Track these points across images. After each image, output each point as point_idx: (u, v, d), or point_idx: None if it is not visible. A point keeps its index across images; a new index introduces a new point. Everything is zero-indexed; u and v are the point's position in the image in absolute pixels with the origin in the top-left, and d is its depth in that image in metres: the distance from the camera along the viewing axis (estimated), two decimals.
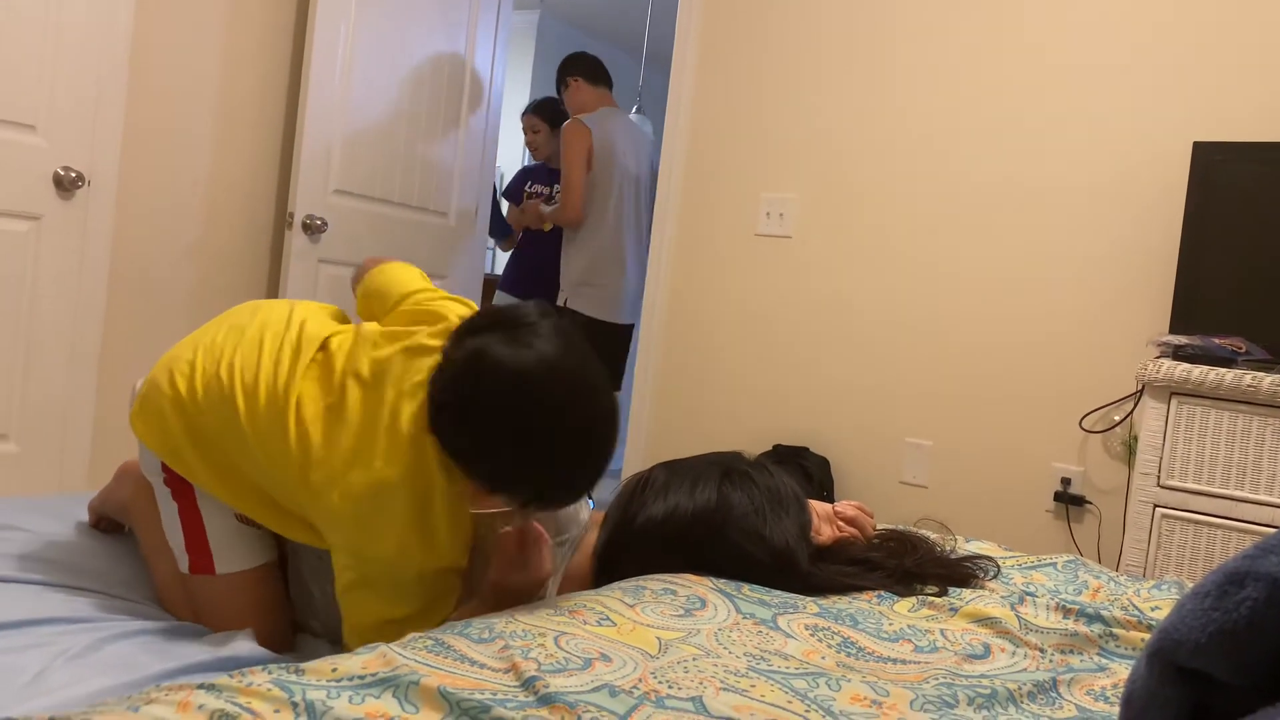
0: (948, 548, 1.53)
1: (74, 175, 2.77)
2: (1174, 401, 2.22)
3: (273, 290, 3.33)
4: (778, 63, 3.24)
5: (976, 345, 2.91)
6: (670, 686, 0.92)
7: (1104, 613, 1.31)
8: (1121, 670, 1.20)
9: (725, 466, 1.39)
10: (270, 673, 0.83)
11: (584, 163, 3.63)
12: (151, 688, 0.80)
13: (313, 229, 3.26)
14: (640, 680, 0.92)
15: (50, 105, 2.71)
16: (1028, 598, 1.35)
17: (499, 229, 4.37)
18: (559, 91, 3.93)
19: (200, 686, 0.80)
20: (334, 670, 0.86)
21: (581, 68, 3.83)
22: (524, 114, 4.29)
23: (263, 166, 3.29)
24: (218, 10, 3.09)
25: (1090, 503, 2.74)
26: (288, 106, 3.31)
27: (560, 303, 3.74)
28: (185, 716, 0.75)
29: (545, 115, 4.21)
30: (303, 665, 0.86)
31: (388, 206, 3.55)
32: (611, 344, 3.68)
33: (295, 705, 0.78)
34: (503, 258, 6.14)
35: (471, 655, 0.94)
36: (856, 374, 3.08)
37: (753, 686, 0.95)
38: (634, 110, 4.93)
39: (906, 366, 3.01)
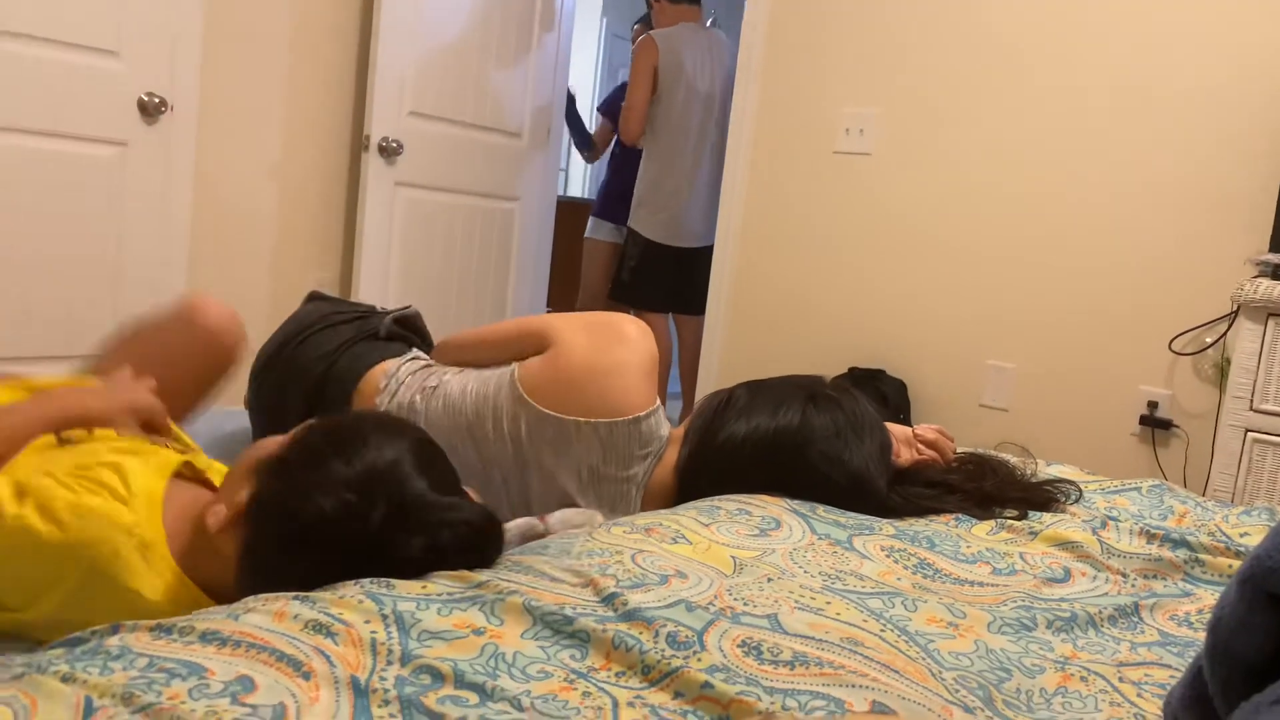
0: (1028, 471, 1.50)
1: (157, 101, 2.81)
2: (1271, 323, 2.13)
3: (351, 213, 3.37)
4: None
5: (1062, 265, 2.82)
6: (746, 604, 0.93)
7: (1190, 538, 1.28)
8: (1208, 596, 1.18)
9: (810, 390, 1.38)
10: (362, 587, 0.86)
11: (648, 81, 3.57)
12: (249, 598, 0.84)
13: (388, 151, 3.28)
14: (716, 597, 0.94)
15: (130, 30, 2.75)
16: (1110, 522, 1.33)
17: (581, 141, 4.35)
18: (649, 9, 3.84)
19: (295, 598, 0.83)
20: (424, 587, 0.89)
21: None
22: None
23: (338, 90, 3.30)
24: None
25: (1177, 427, 2.67)
26: (361, 29, 3.31)
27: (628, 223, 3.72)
28: (281, 625, 0.78)
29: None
30: (392, 581, 0.89)
31: (461, 128, 3.55)
32: (671, 268, 3.63)
33: (385, 617, 0.81)
34: (575, 179, 6.13)
35: (550, 572, 0.96)
36: (937, 295, 3.02)
37: (828, 605, 0.96)
38: (709, 21, 4.81)
39: (989, 287, 2.94)
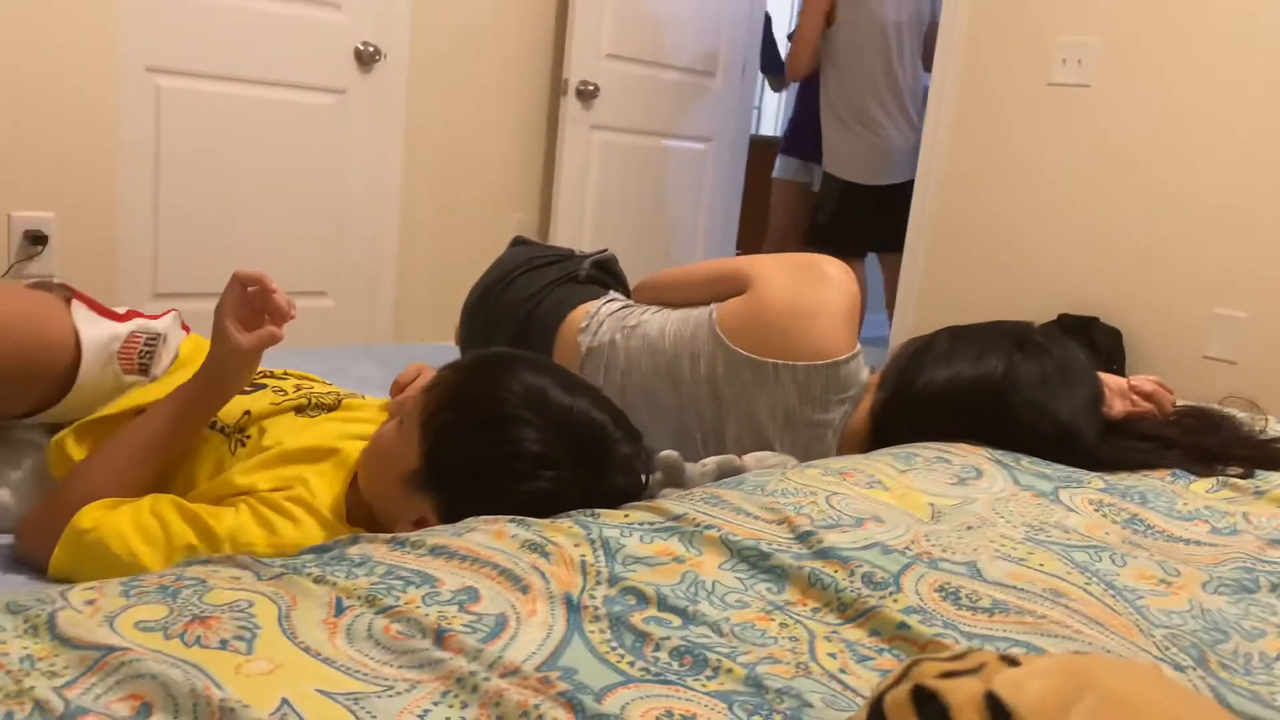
0: (1256, 428, 1.40)
1: (372, 50, 2.97)
2: None
3: (550, 156, 3.47)
4: None
5: None
6: (944, 550, 0.93)
7: None
8: None
9: (1017, 336, 1.34)
10: (570, 516, 0.92)
11: (819, 13, 3.39)
12: (470, 518, 0.91)
13: (586, 95, 3.34)
14: (913, 542, 0.94)
15: None
16: None
17: (771, 65, 4.24)
18: None
19: (511, 520, 0.89)
20: (626, 516, 0.93)
21: None
22: None
23: (538, 35, 3.38)
24: None
25: None
26: None
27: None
28: (500, 543, 0.84)
29: None
30: (596, 510, 0.94)
31: (656, 69, 3.57)
32: (872, 207, 3.49)
33: (593, 541, 0.86)
34: (767, 117, 6.03)
35: (746, 507, 0.98)
36: (1158, 239, 2.82)
37: (1030, 555, 0.94)
38: None
39: (1218, 230, 2.71)
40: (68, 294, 1.19)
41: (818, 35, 3.43)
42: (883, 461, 1.17)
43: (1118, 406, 1.38)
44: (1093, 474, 1.22)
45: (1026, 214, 3.05)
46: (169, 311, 1.29)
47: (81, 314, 1.16)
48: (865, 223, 3.48)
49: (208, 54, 2.71)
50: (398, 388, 1.18)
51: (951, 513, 1.04)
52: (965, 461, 1.19)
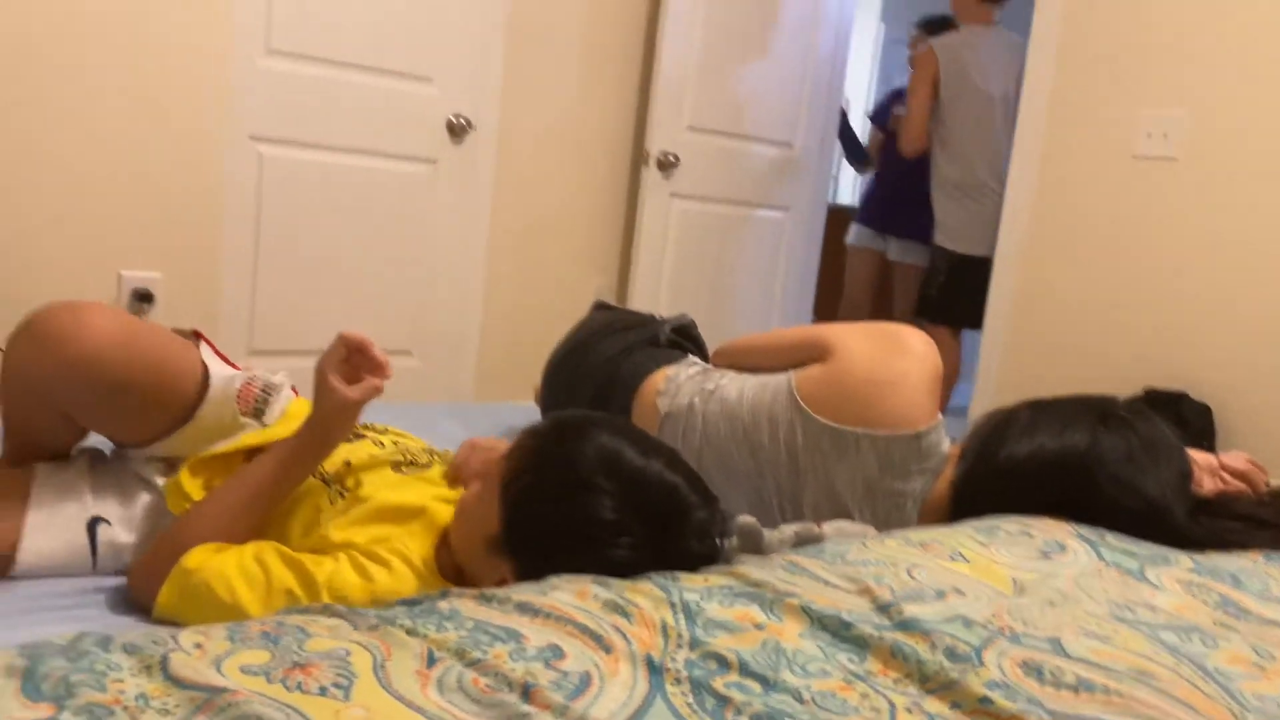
0: None
1: (463, 122, 3.09)
2: None
3: (629, 222, 3.54)
4: None
5: None
6: (1027, 625, 0.92)
7: None
8: None
9: (1101, 410, 1.32)
10: (650, 578, 0.93)
11: (927, 93, 3.45)
12: (552, 577, 0.93)
13: (666, 165, 3.42)
14: (995, 615, 0.93)
15: (443, 59, 3.04)
16: None
17: (854, 154, 4.29)
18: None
19: (593, 580, 0.91)
20: (705, 580, 0.94)
21: None
22: (912, 28, 4.16)
23: (621, 107, 3.47)
24: None
25: None
26: (645, 49, 3.46)
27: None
28: (583, 603, 0.86)
29: (932, 33, 4.04)
30: (676, 573, 0.96)
31: (735, 140, 3.63)
32: (977, 279, 3.39)
33: (673, 604, 0.88)
34: (845, 188, 6.07)
35: (826, 576, 0.99)
36: (1251, 313, 2.75)
37: (1115, 633, 0.92)
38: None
39: None
40: (197, 338, 1.29)
41: (927, 110, 3.49)
42: (964, 534, 1.16)
43: (1208, 484, 1.35)
44: (1181, 552, 1.19)
45: (1110, 287, 3.01)
46: (281, 371, 1.38)
47: (208, 353, 1.26)
48: (974, 294, 3.44)
49: (308, 124, 2.85)
50: (454, 470, 1.22)
51: (1034, 587, 1.03)
52: (1048, 536, 1.18)
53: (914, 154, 3.57)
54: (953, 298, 3.48)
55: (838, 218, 4.49)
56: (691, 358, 1.74)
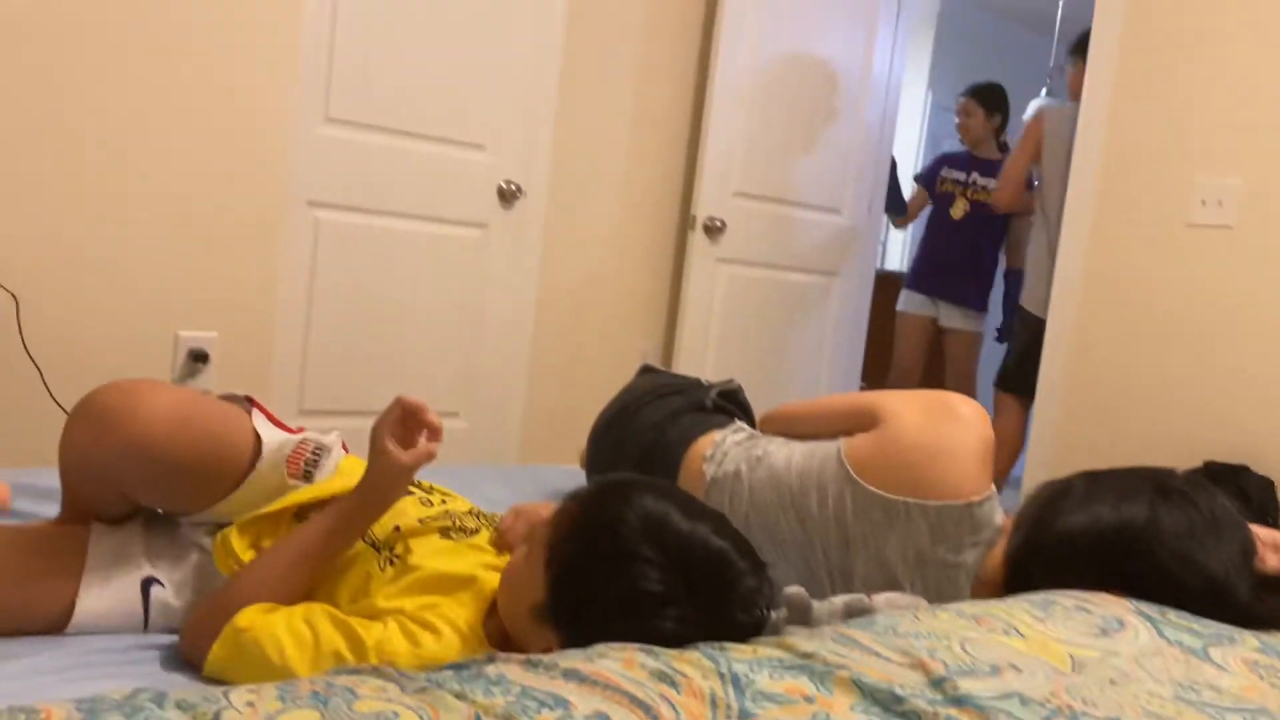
0: None
1: (514, 188, 3.15)
2: None
3: (676, 287, 3.56)
4: (1216, 30, 2.90)
5: None
6: (1086, 704, 0.89)
7: None
8: None
9: (1159, 482, 1.29)
10: (699, 648, 0.92)
11: (1029, 153, 3.55)
12: (599, 645, 0.92)
13: (713, 230, 3.44)
14: (1053, 694, 0.90)
15: (495, 126, 3.11)
16: None
17: (895, 204, 4.31)
18: (1070, 66, 3.61)
19: (640, 649, 0.90)
20: (754, 651, 0.93)
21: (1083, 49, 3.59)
22: (961, 95, 4.21)
23: (669, 172, 3.52)
24: (633, 26, 3.36)
25: None
26: (693, 115, 3.52)
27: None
28: (630, 671, 0.85)
29: (982, 100, 4.10)
30: (724, 644, 0.95)
31: (783, 206, 3.66)
32: None
33: (722, 675, 0.87)
34: (893, 254, 6.07)
35: (877, 649, 0.97)
36: None
37: (1180, 715, 0.89)
38: (1043, 92, 4.65)
39: None
40: (249, 406, 1.30)
41: (1023, 173, 3.61)
42: (1019, 608, 1.14)
43: (1271, 561, 1.30)
44: (1246, 632, 1.15)
45: (1167, 356, 2.96)
46: (334, 430, 1.40)
47: (260, 420, 1.27)
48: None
49: (363, 190, 2.92)
50: (500, 536, 1.23)
51: (1093, 665, 1.00)
52: (1107, 612, 1.15)
53: (1004, 209, 3.68)
54: (1032, 366, 3.40)
55: (886, 284, 4.49)
56: (738, 423, 1.73)
